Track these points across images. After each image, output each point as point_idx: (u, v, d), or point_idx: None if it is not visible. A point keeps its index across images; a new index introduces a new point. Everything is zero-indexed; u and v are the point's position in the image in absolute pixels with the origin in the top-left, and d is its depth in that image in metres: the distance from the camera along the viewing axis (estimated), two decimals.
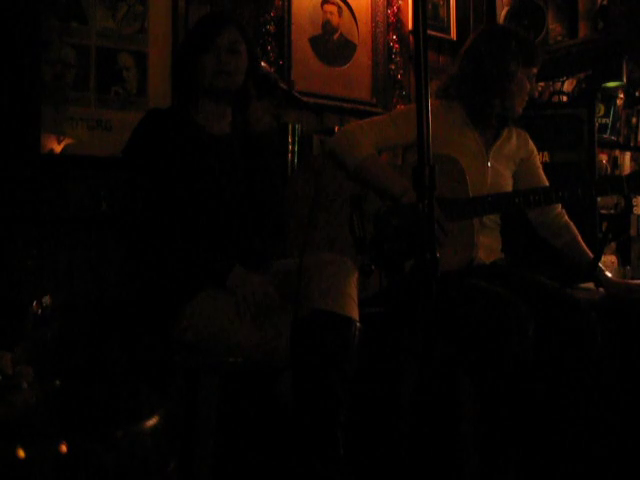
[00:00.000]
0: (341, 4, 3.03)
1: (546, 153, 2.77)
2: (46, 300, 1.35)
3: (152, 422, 1.14)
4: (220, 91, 1.91)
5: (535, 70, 2.21)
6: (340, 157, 2.11)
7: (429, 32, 1.21)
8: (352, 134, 2.13)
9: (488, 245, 2.19)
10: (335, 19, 3.02)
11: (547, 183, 2.33)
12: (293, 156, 2.61)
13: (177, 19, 2.53)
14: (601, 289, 2.30)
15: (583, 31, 3.18)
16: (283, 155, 2.57)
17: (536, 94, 3.41)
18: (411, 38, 3.22)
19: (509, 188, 2.26)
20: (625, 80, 3.31)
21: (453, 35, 3.40)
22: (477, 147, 2.21)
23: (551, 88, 3.42)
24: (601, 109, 3.32)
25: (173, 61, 1.93)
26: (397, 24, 3.19)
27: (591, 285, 2.42)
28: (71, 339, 2.17)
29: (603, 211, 3.18)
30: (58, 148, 2.30)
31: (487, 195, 2.10)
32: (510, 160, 2.28)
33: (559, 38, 3.22)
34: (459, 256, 2.03)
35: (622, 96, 3.45)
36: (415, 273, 1.14)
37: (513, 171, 2.30)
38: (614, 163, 3.54)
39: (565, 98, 3.34)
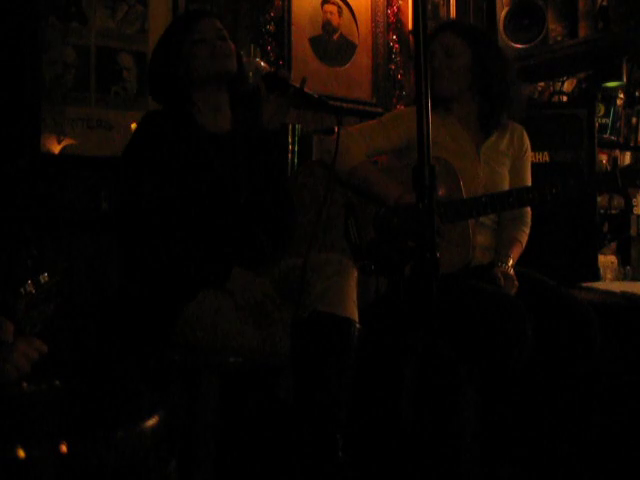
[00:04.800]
0: (341, 4, 3.03)
1: (546, 153, 2.76)
2: (43, 278, 1.29)
3: (152, 422, 1.14)
4: (217, 76, 1.88)
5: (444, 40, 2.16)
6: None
7: (429, 32, 1.21)
8: (343, 143, 2.11)
9: (485, 245, 2.18)
10: (335, 19, 3.02)
11: (529, 184, 2.28)
12: (293, 156, 2.61)
13: None
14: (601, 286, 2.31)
15: (583, 31, 3.18)
16: (285, 156, 2.57)
17: (536, 94, 3.42)
18: (411, 38, 3.22)
19: (505, 185, 2.22)
20: (625, 80, 3.31)
21: None
22: (468, 146, 2.19)
23: (551, 88, 3.42)
24: (601, 109, 3.32)
25: (159, 63, 1.86)
26: (397, 24, 3.20)
27: (592, 285, 2.42)
28: (71, 339, 2.17)
29: (603, 211, 3.18)
30: (58, 148, 2.30)
31: (481, 196, 2.09)
32: (504, 156, 2.24)
33: (559, 38, 3.21)
34: (456, 258, 2.03)
35: (622, 96, 3.45)
36: (415, 273, 1.14)
37: (509, 167, 2.26)
38: (614, 163, 3.53)
39: (565, 98, 3.34)
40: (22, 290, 1.26)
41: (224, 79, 1.91)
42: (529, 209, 2.29)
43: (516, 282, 2.03)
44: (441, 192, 2.01)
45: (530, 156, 2.32)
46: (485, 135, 2.21)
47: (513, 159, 2.26)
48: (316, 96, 1.90)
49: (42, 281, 1.28)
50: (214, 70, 1.88)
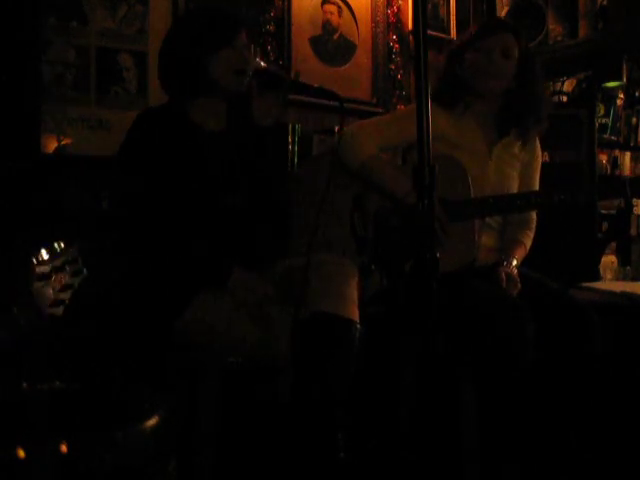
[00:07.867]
0: (341, 4, 3.03)
1: (546, 153, 2.77)
2: (58, 245, 1.21)
3: (152, 422, 1.14)
4: (234, 91, 1.86)
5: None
6: (344, 157, 2.11)
7: (429, 32, 1.20)
8: (355, 135, 2.12)
9: (490, 246, 2.17)
10: (335, 19, 3.02)
11: (537, 189, 2.27)
12: (293, 156, 2.61)
13: None
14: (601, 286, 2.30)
15: (583, 31, 3.18)
16: (284, 155, 2.57)
17: None
18: (411, 38, 3.22)
19: (514, 187, 2.22)
20: (625, 80, 3.31)
21: (453, 35, 3.40)
22: (480, 144, 2.18)
23: (551, 88, 3.42)
24: (601, 109, 3.32)
25: (169, 56, 1.81)
26: (397, 24, 3.20)
27: (592, 285, 2.42)
28: (71, 339, 2.16)
29: (603, 211, 3.19)
30: (58, 148, 2.30)
31: (488, 196, 2.09)
32: (515, 158, 2.23)
33: (559, 38, 3.22)
34: (460, 257, 2.02)
35: (622, 96, 3.46)
36: (415, 273, 1.14)
37: (519, 170, 2.25)
38: (614, 163, 3.54)
39: (565, 98, 3.34)
40: (35, 259, 1.20)
41: (234, 94, 1.89)
42: (535, 215, 2.29)
43: (519, 283, 2.03)
44: (448, 192, 1.99)
45: (540, 163, 2.32)
46: (499, 135, 2.21)
47: (524, 163, 2.26)
48: (314, 85, 1.89)
49: (57, 249, 1.21)
50: (233, 85, 1.85)
